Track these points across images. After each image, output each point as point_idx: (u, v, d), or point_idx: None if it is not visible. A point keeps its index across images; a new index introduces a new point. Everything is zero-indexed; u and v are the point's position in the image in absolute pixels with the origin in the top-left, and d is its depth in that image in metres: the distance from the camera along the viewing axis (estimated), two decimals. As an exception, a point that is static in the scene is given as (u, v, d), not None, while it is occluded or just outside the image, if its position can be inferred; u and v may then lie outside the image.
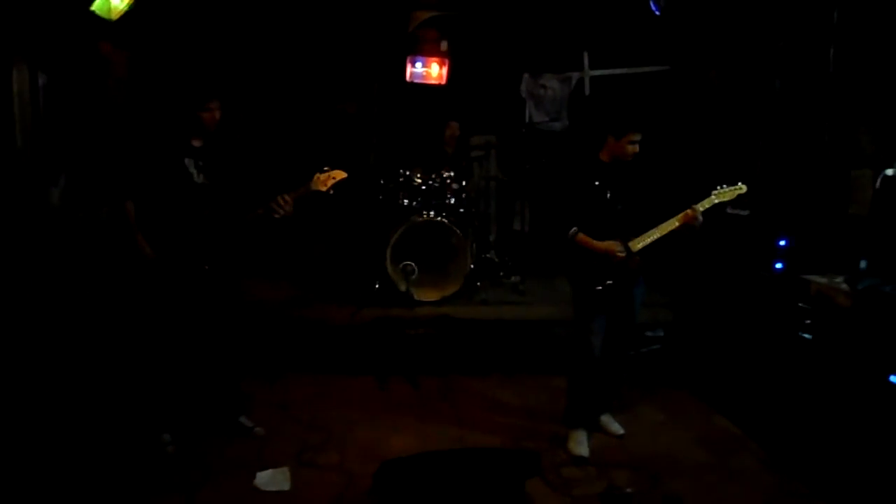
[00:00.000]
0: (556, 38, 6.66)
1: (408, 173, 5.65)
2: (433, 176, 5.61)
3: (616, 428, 3.95)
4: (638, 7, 5.26)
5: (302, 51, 6.44)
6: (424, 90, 6.64)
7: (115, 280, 4.24)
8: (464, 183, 5.75)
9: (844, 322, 3.53)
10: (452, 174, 5.67)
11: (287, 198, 3.40)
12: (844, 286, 3.62)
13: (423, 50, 6.56)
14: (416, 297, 5.20)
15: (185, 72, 5.38)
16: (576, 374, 3.81)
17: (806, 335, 3.75)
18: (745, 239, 4.54)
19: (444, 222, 5.34)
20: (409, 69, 6.54)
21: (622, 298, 3.68)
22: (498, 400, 4.43)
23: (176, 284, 3.49)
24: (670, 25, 5.48)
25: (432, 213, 5.41)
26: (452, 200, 5.63)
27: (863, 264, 3.54)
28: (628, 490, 3.33)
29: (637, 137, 3.57)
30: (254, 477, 3.36)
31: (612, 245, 3.56)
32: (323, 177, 3.47)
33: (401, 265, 5.16)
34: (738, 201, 3.66)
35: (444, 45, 6.58)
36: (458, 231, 5.37)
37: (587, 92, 6.87)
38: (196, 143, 3.53)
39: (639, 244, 3.56)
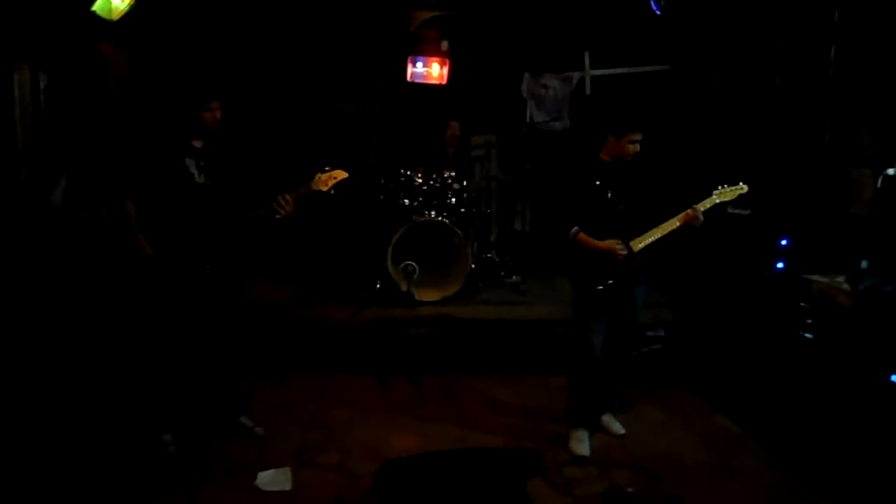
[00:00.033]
0: (556, 38, 6.66)
1: (409, 173, 5.65)
2: (434, 176, 5.61)
3: (617, 427, 3.94)
4: (639, 6, 5.25)
5: (302, 51, 6.44)
6: (425, 90, 6.64)
7: (116, 280, 4.25)
8: (465, 183, 5.75)
9: (845, 322, 3.53)
10: (453, 174, 5.67)
11: (288, 198, 3.40)
12: (845, 286, 3.61)
13: (423, 50, 6.57)
14: (417, 296, 5.21)
15: (185, 72, 5.38)
16: (577, 374, 3.81)
17: (807, 335, 3.74)
18: (746, 238, 4.53)
19: (445, 222, 5.34)
20: (409, 69, 6.54)
21: (623, 298, 3.68)
22: (499, 400, 4.43)
23: (177, 284, 3.49)
24: (671, 25, 5.47)
25: (433, 213, 5.42)
26: (453, 200, 5.63)
27: (864, 264, 3.54)
28: (630, 490, 3.33)
29: (638, 137, 3.57)
30: (255, 477, 3.36)
31: (614, 244, 3.56)
32: (324, 177, 3.48)
33: (402, 265, 5.16)
34: (739, 201, 3.66)
35: (444, 45, 6.59)
36: (459, 231, 5.37)
37: (588, 91, 6.87)
38: (197, 144, 3.53)
39: (640, 244, 3.56)
